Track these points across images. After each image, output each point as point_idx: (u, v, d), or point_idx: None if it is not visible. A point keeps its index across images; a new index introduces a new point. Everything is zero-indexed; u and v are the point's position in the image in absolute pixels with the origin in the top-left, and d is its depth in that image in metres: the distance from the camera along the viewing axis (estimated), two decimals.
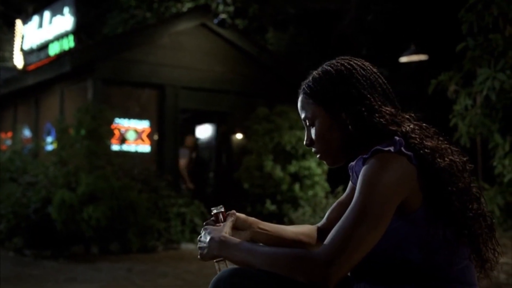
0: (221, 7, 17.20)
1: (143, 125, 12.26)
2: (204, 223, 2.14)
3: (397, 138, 1.84)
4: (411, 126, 1.93)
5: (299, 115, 8.35)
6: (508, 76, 4.77)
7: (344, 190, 9.07)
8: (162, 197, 10.78)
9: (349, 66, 1.99)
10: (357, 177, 1.87)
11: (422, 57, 11.81)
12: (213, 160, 13.70)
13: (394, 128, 1.90)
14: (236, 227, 2.13)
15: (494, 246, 1.89)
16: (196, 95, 12.55)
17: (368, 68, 2.01)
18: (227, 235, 1.98)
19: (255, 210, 11.65)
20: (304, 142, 2.11)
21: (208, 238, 1.98)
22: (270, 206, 11.63)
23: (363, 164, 1.84)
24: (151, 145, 12.32)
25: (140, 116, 12.25)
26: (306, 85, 2.07)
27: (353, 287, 1.98)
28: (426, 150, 1.84)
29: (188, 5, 17.35)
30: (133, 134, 12.09)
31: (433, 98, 5.97)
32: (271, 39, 19.23)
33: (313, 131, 2.05)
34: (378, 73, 2.02)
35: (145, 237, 9.97)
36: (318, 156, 2.08)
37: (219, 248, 1.92)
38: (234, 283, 1.76)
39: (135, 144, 12.13)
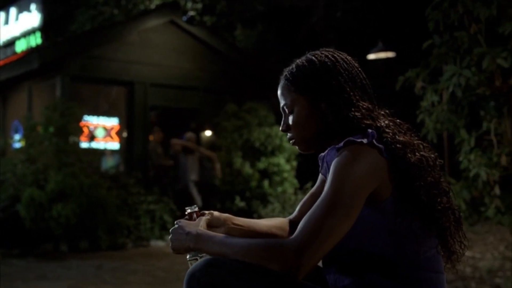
0: (189, 4, 17.18)
1: (112, 122, 12.21)
2: (176, 222, 2.16)
3: (369, 131, 1.90)
4: (386, 122, 1.99)
5: (268, 112, 8.35)
6: (473, 73, 4.85)
7: (313, 186, 9.08)
8: (131, 194, 10.77)
9: (332, 58, 2.05)
10: (329, 167, 1.92)
11: (389, 54, 11.93)
12: (182, 157, 13.66)
13: (368, 122, 1.96)
14: (211, 225, 2.17)
15: (461, 239, 1.95)
16: (165, 92, 12.53)
17: (351, 62, 2.07)
18: (203, 229, 2.02)
19: (224, 207, 11.66)
20: (280, 128, 2.16)
21: (185, 230, 2.00)
22: (240, 203, 11.65)
23: (334, 155, 1.90)
24: (120, 142, 12.28)
25: (109, 113, 12.20)
26: (289, 72, 2.10)
27: (323, 277, 2.04)
28: (398, 145, 1.90)
29: (156, 2, 17.28)
30: (102, 132, 12.04)
31: (401, 94, 6.04)
32: (239, 36, 19.24)
33: (290, 117, 2.09)
34: (359, 68, 2.08)
35: (114, 235, 9.95)
36: (292, 142, 2.13)
37: (195, 241, 1.94)
38: (209, 272, 1.79)
39: (104, 141, 12.08)
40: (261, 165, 11.99)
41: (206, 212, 2.21)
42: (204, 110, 12.89)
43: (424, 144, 2.00)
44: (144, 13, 13.35)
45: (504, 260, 8.88)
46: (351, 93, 2.00)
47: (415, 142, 1.97)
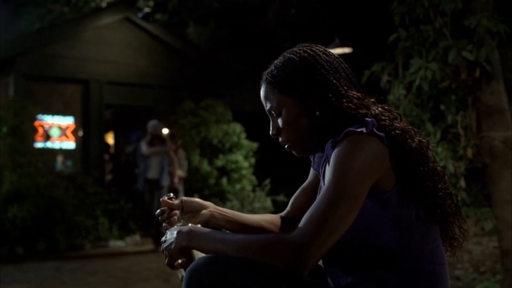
0: (141, 1, 16.99)
1: (67, 121, 12.01)
2: (157, 212, 2.13)
3: (369, 119, 1.84)
4: (379, 109, 1.94)
5: (225, 109, 8.24)
6: (439, 66, 4.87)
7: (271, 183, 9.10)
8: (89, 194, 10.60)
9: (312, 53, 1.97)
10: (328, 161, 1.87)
11: (346, 49, 11.97)
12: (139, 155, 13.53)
13: (363, 111, 1.90)
14: (192, 210, 2.14)
15: (460, 224, 1.92)
16: (121, 90, 12.39)
17: (331, 54, 2.00)
18: (195, 225, 1.94)
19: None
20: (270, 132, 2.06)
21: (174, 233, 1.91)
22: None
23: (333, 147, 1.83)
24: (76, 141, 12.08)
25: (64, 112, 11.99)
26: (270, 75, 2.02)
27: (323, 273, 1.98)
28: (397, 131, 1.85)
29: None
30: (57, 131, 11.83)
31: (366, 88, 6.01)
32: (192, 34, 19.12)
33: (279, 120, 2.01)
34: (340, 59, 2.01)
35: (72, 235, 9.78)
36: (286, 146, 2.04)
37: (188, 239, 1.85)
38: (211, 272, 1.70)
39: (59, 141, 11.87)
40: (219, 162, 11.96)
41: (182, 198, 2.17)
42: (160, 108, 12.78)
43: (415, 130, 1.95)
44: (99, 10, 13.16)
45: (463, 252, 9.00)
46: (338, 84, 1.93)
47: (408, 128, 1.92)
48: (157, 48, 12.81)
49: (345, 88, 1.93)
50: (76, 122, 12.08)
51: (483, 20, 4.69)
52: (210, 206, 2.16)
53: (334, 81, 1.93)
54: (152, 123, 10.03)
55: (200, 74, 13.29)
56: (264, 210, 11.88)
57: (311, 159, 2.21)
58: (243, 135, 12.33)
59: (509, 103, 5.10)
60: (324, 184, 2.05)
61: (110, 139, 14.63)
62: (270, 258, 1.69)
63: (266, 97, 2.03)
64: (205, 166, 11.77)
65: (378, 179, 1.77)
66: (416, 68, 4.94)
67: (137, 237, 10.72)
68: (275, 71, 2.01)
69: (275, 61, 2.05)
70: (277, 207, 12.63)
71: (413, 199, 1.82)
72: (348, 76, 1.98)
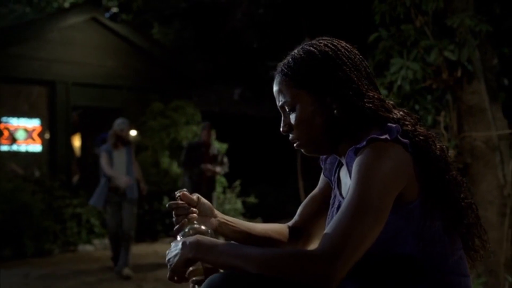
0: (107, 1, 16.76)
1: (34, 123, 11.78)
2: (168, 204, 1.95)
3: (392, 125, 1.72)
4: (401, 112, 1.83)
5: (195, 110, 8.09)
6: (420, 66, 4.81)
7: (241, 185, 9.04)
8: (56, 198, 10.38)
9: (333, 47, 1.84)
10: (349, 169, 1.76)
11: None
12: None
13: (384, 115, 1.79)
14: (204, 213, 1.97)
15: (480, 234, 1.83)
16: (88, 91, 12.20)
17: (352, 50, 1.87)
18: (202, 236, 1.77)
19: (152, 208, 11.43)
20: (281, 129, 1.91)
21: (179, 244, 1.75)
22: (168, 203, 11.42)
23: (356, 154, 1.71)
24: (43, 144, 11.85)
25: (30, 115, 11.77)
26: (286, 66, 1.86)
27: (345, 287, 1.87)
28: (420, 137, 1.74)
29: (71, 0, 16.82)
30: (23, 133, 11.59)
31: None
32: (157, 34, 18.95)
33: (292, 116, 1.87)
34: (361, 56, 1.88)
35: (40, 240, 9.58)
36: (295, 144, 1.90)
37: (195, 250, 1.69)
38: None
39: (25, 143, 11.63)
40: None
41: (195, 195, 1.99)
42: (128, 109, 12.58)
43: (434, 134, 1.84)
44: (65, 10, 12.91)
45: None
46: (359, 83, 1.80)
47: (429, 133, 1.81)
48: (125, 49, 12.63)
49: (365, 87, 1.82)
50: (42, 124, 11.85)
51: (466, 19, 4.65)
52: (218, 214, 2.02)
53: (355, 79, 1.81)
54: (118, 122, 8.49)
55: (168, 74, 13.16)
56: (235, 212, 11.78)
57: (322, 165, 2.08)
58: (213, 136, 12.20)
59: (490, 103, 5.06)
60: (339, 193, 1.94)
61: (77, 141, 14.39)
62: (294, 274, 1.56)
63: (279, 90, 1.89)
64: (175, 168, 11.63)
65: (402, 188, 1.67)
66: (397, 68, 4.88)
67: (106, 241, 10.52)
68: (293, 63, 1.86)
69: (292, 53, 1.91)
70: (248, 209, 12.55)
71: (437, 210, 1.72)
72: (368, 75, 1.86)
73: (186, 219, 1.91)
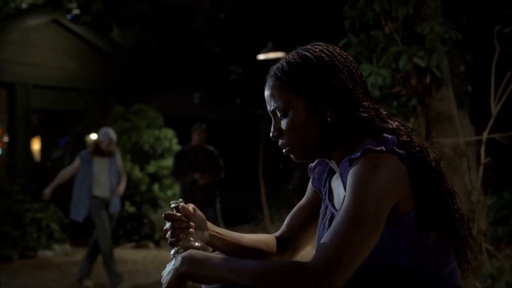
0: (66, 2, 16.55)
1: None
2: (164, 215, 1.88)
3: (388, 136, 1.70)
4: (396, 123, 1.80)
5: (157, 113, 8.00)
6: (389, 72, 4.84)
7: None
8: (15, 203, 10.17)
9: (329, 53, 1.81)
10: (343, 180, 1.73)
11: (279, 54, 11.91)
12: (67, 161, 13.14)
13: (380, 125, 1.76)
14: (197, 226, 1.91)
15: (472, 247, 1.82)
16: (49, 93, 12.00)
17: (347, 57, 1.84)
18: (195, 250, 1.74)
19: None
20: (271, 134, 1.88)
21: (172, 261, 1.72)
22: (129, 208, 11.28)
23: (350, 164, 1.69)
24: (1, 147, 11.61)
25: None
26: (280, 70, 1.83)
27: None
28: (416, 148, 1.73)
29: (28, 1, 16.55)
30: None
31: None
32: (117, 37, 18.78)
33: (284, 122, 1.83)
34: (356, 64, 1.86)
35: None
36: (285, 150, 1.87)
37: (188, 264, 1.65)
38: None
39: None
40: (151, 168, 11.71)
41: (190, 206, 1.92)
42: (89, 112, 12.43)
43: (427, 145, 1.82)
44: (25, 11, 12.67)
45: None
46: (355, 92, 1.78)
47: (423, 143, 1.80)
48: (86, 51, 12.47)
49: (360, 96, 1.79)
50: (1, 127, 11.61)
51: (435, 26, 4.69)
52: (209, 227, 1.97)
53: (351, 87, 1.78)
54: (101, 132, 7.81)
55: (129, 77, 13.03)
56: None
57: (310, 175, 2.05)
58: (175, 140, 12.12)
59: (457, 110, 5.12)
60: (331, 204, 1.91)
61: (36, 145, 14.16)
62: (290, 287, 1.54)
63: (271, 95, 1.84)
64: (137, 172, 11.49)
65: (397, 200, 1.65)
66: (367, 74, 4.89)
67: (67, 247, 10.36)
68: (287, 67, 1.82)
69: (287, 57, 1.87)
70: None
71: (432, 222, 1.70)
72: (363, 84, 1.83)
73: (183, 234, 1.86)
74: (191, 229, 1.87)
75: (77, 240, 10.59)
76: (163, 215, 1.88)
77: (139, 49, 17.51)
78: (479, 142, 4.91)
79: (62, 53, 12.13)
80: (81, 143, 12.18)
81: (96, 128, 12.06)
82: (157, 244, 11.33)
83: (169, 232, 1.86)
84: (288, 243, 2.09)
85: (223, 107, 18.12)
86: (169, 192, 11.77)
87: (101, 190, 7.66)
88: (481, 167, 4.57)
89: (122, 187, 7.89)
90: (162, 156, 11.87)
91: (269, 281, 1.56)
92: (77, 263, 9.35)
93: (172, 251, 1.83)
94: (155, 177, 11.80)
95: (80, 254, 10.08)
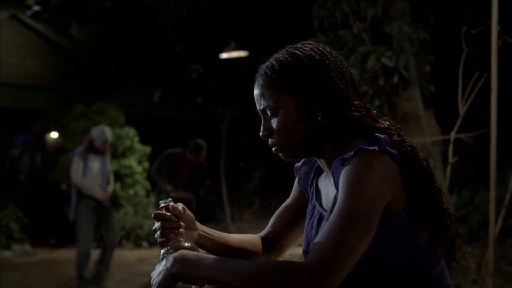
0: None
1: None
2: (153, 214, 1.84)
3: (380, 135, 1.69)
4: (387, 122, 1.80)
5: (118, 112, 7.82)
6: (358, 72, 4.86)
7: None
8: None
9: (320, 52, 1.79)
10: (335, 180, 1.72)
11: (242, 53, 11.91)
12: (26, 160, 12.96)
13: (372, 124, 1.76)
14: (187, 226, 1.88)
15: (460, 245, 1.82)
16: (8, 91, 11.84)
17: (338, 56, 1.83)
18: (187, 250, 1.71)
19: None
20: (261, 133, 1.85)
21: (163, 262, 1.68)
22: None
23: (343, 164, 1.68)
24: None
25: None
26: (270, 69, 1.80)
27: None
28: (408, 148, 1.73)
29: None
30: None
31: None
32: (76, 35, 18.57)
33: (274, 121, 1.81)
34: (345, 63, 1.85)
35: None
36: (275, 149, 1.85)
37: (180, 264, 1.62)
38: None
39: None
40: (112, 167, 11.54)
41: (179, 205, 1.88)
42: (50, 111, 12.29)
43: (416, 145, 1.81)
44: None
45: None
46: (346, 91, 1.77)
47: (414, 143, 1.79)
48: (47, 49, 12.35)
49: (352, 95, 1.78)
50: None
51: (404, 27, 4.72)
52: (198, 226, 1.94)
53: (342, 86, 1.77)
54: (95, 129, 7.49)
55: (90, 76, 12.92)
56: None
57: (296, 175, 2.04)
58: (136, 139, 12.04)
59: (424, 110, 5.16)
60: (318, 204, 1.91)
61: None
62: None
63: (261, 94, 1.82)
64: None
65: (390, 199, 1.65)
66: None
67: (27, 247, 10.21)
68: (278, 66, 1.80)
69: (276, 55, 1.84)
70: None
71: (423, 221, 1.71)
72: (353, 83, 1.82)
73: (174, 234, 1.83)
74: (181, 229, 1.84)
75: (37, 240, 10.44)
76: (152, 215, 1.84)
77: (100, 47, 17.36)
78: (445, 142, 4.95)
79: (22, 51, 12.00)
80: (41, 141, 12.05)
81: (56, 126, 11.96)
82: (119, 244, 11.22)
83: (158, 232, 1.83)
84: (273, 243, 2.08)
85: (184, 106, 18.02)
86: (131, 191, 11.69)
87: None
88: (449, 167, 4.60)
89: (111, 189, 7.51)
90: (123, 155, 11.79)
91: (264, 282, 1.54)
92: (37, 263, 9.25)
93: (162, 251, 1.80)
94: (116, 176, 11.68)
95: (41, 254, 9.96)
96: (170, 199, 1.89)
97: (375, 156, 1.65)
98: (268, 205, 14.12)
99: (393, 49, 4.85)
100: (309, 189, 1.99)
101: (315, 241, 1.58)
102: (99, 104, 11.96)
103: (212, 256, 1.66)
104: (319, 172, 1.97)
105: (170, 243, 1.81)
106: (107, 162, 7.55)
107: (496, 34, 3.96)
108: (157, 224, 1.84)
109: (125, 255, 10.06)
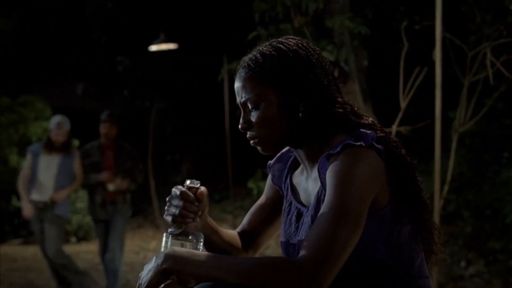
0: None
1: None
2: (179, 191, 1.78)
3: (367, 131, 1.71)
4: (370, 119, 1.82)
5: (45, 105, 7.57)
6: None
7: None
8: None
9: (304, 48, 1.80)
10: (320, 176, 1.73)
11: (171, 46, 11.81)
12: None
13: (357, 121, 1.77)
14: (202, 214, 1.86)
15: (437, 237, 1.84)
16: None
17: (320, 53, 1.84)
18: (178, 248, 1.70)
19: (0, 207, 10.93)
20: (240, 126, 1.84)
21: (151, 261, 1.65)
22: (17, 203, 10.89)
23: (329, 160, 1.69)
24: None
25: None
26: (254, 62, 1.79)
27: None
28: (393, 144, 1.76)
29: None
30: None
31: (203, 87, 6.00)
32: None
33: (254, 114, 1.79)
34: (327, 59, 1.86)
35: None
36: (253, 142, 1.84)
37: (171, 261, 1.60)
38: None
39: None
40: None
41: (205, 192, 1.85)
42: None
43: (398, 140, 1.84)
44: None
45: None
46: (329, 88, 1.78)
47: (397, 139, 1.82)
48: None
49: (335, 93, 1.80)
50: None
51: (346, 21, 4.78)
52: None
53: (326, 83, 1.78)
54: (53, 120, 6.69)
55: (14, 68, 12.57)
56: (86, 211, 11.45)
57: (269, 172, 2.05)
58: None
59: (363, 104, 5.24)
60: (296, 200, 1.91)
61: None
62: (279, 284, 1.53)
63: (243, 86, 1.81)
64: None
65: (376, 194, 1.67)
66: None
67: None
68: (261, 59, 1.79)
69: (260, 48, 1.84)
70: None
71: (406, 215, 1.74)
72: (334, 80, 1.84)
73: (191, 219, 1.80)
74: (198, 221, 1.84)
75: None
76: (178, 192, 1.79)
77: (22, 38, 16.92)
78: None
79: None
80: None
81: None
82: None
83: (176, 210, 1.78)
84: (249, 240, 2.08)
85: (110, 98, 17.77)
86: None
87: (39, 193, 6.44)
88: None
89: (64, 192, 6.43)
90: None
91: (258, 278, 1.54)
92: None
93: (169, 230, 1.77)
94: None
95: None
96: (198, 182, 1.84)
97: (361, 151, 1.67)
98: None
99: (334, 43, 4.91)
100: (283, 185, 1.99)
101: (306, 236, 1.60)
102: (24, 97, 11.68)
103: (205, 253, 1.67)
104: (293, 168, 1.98)
105: (184, 226, 1.78)
106: (72, 163, 6.50)
107: (440, 29, 4.05)
108: (178, 202, 1.79)
109: None
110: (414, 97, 4.67)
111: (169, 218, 1.78)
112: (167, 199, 1.81)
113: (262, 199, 2.08)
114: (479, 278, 6.98)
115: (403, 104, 4.49)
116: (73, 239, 11.08)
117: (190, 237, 1.77)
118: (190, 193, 1.80)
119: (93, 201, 6.55)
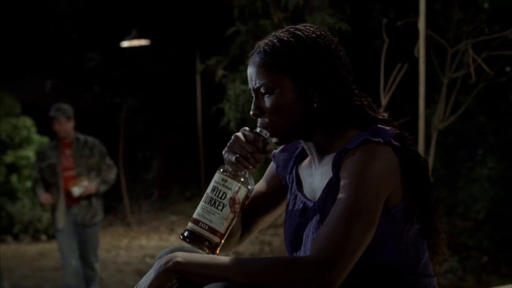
0: None
1: None
2: (249, 132, 1.72)
3: (385, 127, 1.67)
4: (385, 114, 1.77)
5: (14, 101, 7.29)
6: None
7: None
8: None
9: (322, 37, 1.72)
10: (334, 170, 1.68)
11: (143, 42, 11.73)
12: None
13: (374, 115, 1.73)
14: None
15: (443, 238, 1.81)
16: None
17: (338, 43, 1.77)
18: (180, 252, 1.62)
19: None
20: (252, 112, 1.76)
21: (153, 267, 1.60)
22: None
23: (346, 155, 1.65)
24: None
25: None
26: (270, 47, 1.72)
27: None
28: (409, 142, 1.72)
29: None
30: None
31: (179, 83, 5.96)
32: None
33: (268, 100, 1.72)
34: (344, 50, 1.77)
35: None
36: (265, 131, 1.76)
37: (176, 262, 1.55)
38: None
39: None
40: (8, 158, 11.26)
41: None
42: None
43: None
44: None
45: (262, 244, 9.23)
46: (347, 79, 1.73)
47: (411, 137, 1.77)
48: None
49: (353, 84, 1.75)
50: None
51: (326, 17, 4.78)
52: None
53: (344, 73, 1.72)
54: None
55: None
56: (48, 206, 11.35)
57: (273, 162, 1.97)
58: (34, 129, 11.69)
59: None
60: (301, 194, 1.85)
61: None
62: (292, 284, 1.50)
63: (257, 72, 1.73)
64: None
65: (390, 192, 1.64)
66: None
67: None
68: (279, 45, 1.71)
69: (277, 34, 1.76)
70: None
71: (417, 214, 1.71)
72: (351, 72, 1.77)
73: (246, 169, 1.74)
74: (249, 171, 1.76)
75: None
76: (252, 136, 1.72)
77: None
78: None
79: None
80: None
81: None
82: (16, 237, 10.89)
83: (242, 151, 1.73)
84: (244, 226, 1.99)
85: (80, 95, 17.62)
86: (28, 183, 11.32)
87: None
88: None
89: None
90: (20, 146, 11.47)
91: (269, 278, 1.51)
92: None
93: (224, 168, 1.73)
94: (13, 168, 11.34)
95: None
96: (269, 134, 1.76)
97: (379, 147, 1.63)
98: (167, 195, 14.02)
99: None
100: (288, 176, 1.93)
101: (318, 233, 1.56)
102: None
103: (207, 254, 1.64)
104: (299, 159, 1.92)
105: (240, 168, 1.73)
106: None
107: (424, 25, 4.05)
108: (247, 145, 1.73)
109: (23, 249, 9.74)
110: (394, 94, 4.67)
111: (232, 157, 1.72)
112: (232, 137, 1.75)
113: (261, 187, 2.00)
114: (452, 275, 7.02)
115: (384, 100, 4.48)
116: (44, 237, 10.97)
117: (249, 187, 1.74)
118: (261, 143, 1.74)
119: (53, 209, 5.79)
